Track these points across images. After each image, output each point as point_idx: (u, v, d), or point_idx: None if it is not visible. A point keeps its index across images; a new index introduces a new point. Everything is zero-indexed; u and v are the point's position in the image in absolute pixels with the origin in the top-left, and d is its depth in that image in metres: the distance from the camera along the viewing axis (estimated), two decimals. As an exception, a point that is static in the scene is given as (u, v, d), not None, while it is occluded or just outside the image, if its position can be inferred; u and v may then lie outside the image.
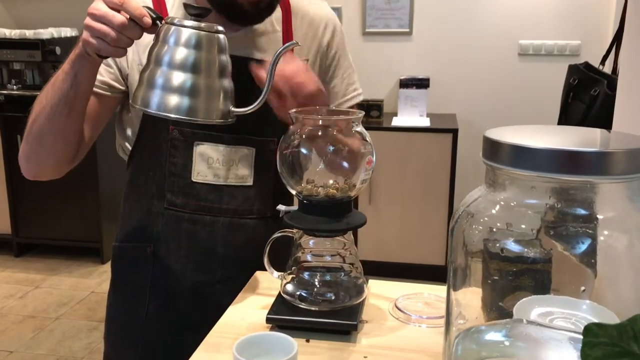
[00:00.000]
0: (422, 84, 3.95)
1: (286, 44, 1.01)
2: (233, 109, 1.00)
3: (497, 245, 0.65)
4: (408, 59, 4.10)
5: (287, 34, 1.25)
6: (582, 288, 0.64)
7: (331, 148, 0.98)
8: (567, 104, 2.95)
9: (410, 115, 3.89)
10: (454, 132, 3.60)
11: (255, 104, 0.99)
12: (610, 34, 3.73)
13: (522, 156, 0.60)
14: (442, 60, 4.07)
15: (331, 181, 1.01)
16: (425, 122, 3.78)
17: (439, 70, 4.07)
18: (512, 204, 0.65)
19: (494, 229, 0.66)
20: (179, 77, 0.93)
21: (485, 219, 0.67)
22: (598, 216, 0.62)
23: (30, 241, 4.13)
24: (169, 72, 0.93)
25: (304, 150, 0.99)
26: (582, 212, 0.62)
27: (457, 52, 4.04)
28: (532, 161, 0.60)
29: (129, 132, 1.29)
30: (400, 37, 4.09)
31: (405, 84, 3.96)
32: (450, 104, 4.08)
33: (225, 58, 0.98)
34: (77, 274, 3.87)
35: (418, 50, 4.09)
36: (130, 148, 1.29)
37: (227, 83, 0.99)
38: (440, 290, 1.19)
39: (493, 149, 0.64)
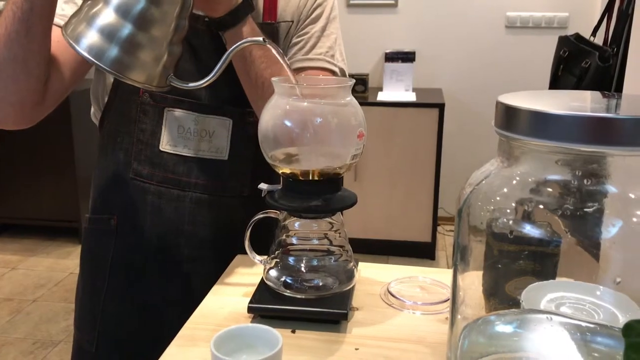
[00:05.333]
0: (407, 57, 3.86)
1: (252, 38, 0.91)
2: (172, 78, 0.87)
3: (510, 225, 0.57)
4: (393, 32, 4.00)
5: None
6: (618, 279, 0.56)
7: (318, 120, 0.88)
8: (557, 77, 2.88)
9: (395, 89, 3.81)
10: (441, 106, 3.52)
11: (201, 82, 0.87)
12: (599, 6, 3.65)
13: (546, 124, 0.51)
14: (428, 34, 3.98)
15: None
16: (411, 96, 3.69)
17: (425, 44, 3.98)
18: (529, 180, 0.57)
19: (508, 209, 0.57)
20: (121, 25, 0.81)
21: (498, 198, 0.58)
22: (630, 195, 0.54)
23: (6, 221, 4.00)
24: (113, 15, 0.80)
25: (288, 123, 0.89)
26: (613, 189, 0.53)
27: (443, 24, 3.95)
28: (559, 130, 0.51)
29: (100, 94, 1.20)
30: (386, 10, 3.98)
31: (391, 57, 3.86)
32: (437, 78, 4.00)
33: (183, 23, 0.86)
34: (55, 254, 3.76)
35: (404, 23, 3.99)
36: (101, 112, 1.21)
37: (175, 49, 0.87)
38: (434, 272, 1.11)
39: (509, 117, 0.55)
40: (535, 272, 0.68)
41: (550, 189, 0.56)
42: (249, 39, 0.90)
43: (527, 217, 0.56)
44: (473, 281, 0.63)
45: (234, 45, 0.87)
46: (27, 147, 3.74)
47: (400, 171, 3.59)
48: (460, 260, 0.62)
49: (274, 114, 0.90)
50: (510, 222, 0.57)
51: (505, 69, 3.94)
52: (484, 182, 0.59)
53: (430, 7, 3.94)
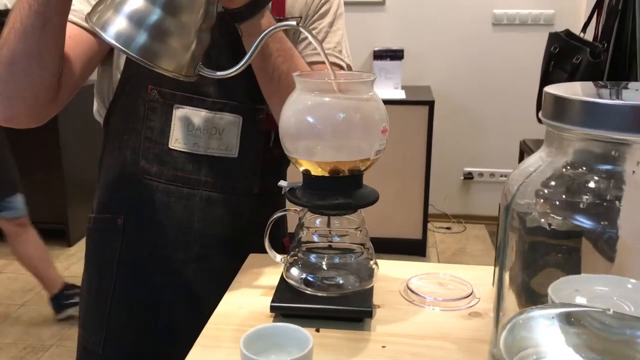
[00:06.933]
0: (396, 55, 3.86)
1: (286, 23, 0.89)
2: (201, 67, 0.86)
3: (561, 218, 0.56)
4: (381, 29, 4.00)
5: None
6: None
7: (341, 115, 0.87)
8: (548, 72, 2.90)
9: (384, 87, 3.80)
10: (430, 104, 3.53)
11: (230, 70, 0.87)
12: (584, 3, 3.69)
13: (601, 114, 0.51)
14: (416, 31, 3.99)
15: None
16: (400, 94, 3.69)
17: (413, 41, 3.98)
18: (580, 170, 0.56)
19: (557, 201, 0.57)
20: (149, 11, 0.79)
21: (546, 191, 0.57)
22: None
23: (-9, 225, 3.92)
24: (141, 1, 0.79)
25: (310, 119, 0.88)
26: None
27: (431, 22, 3.96)
28: (614, 120, 0.50)
29: (105, 91, 1.18)
30: (374, 8, 3.98)
31: (379, 55, 3.86)
32: (425, 76, 4.01)
33: (212, 10, 0.86)
34: (42, 258, 3.70)
35: (391, 21, 4.00)
36: (106, 109, 1.18)
37: (204, 37, 0.86)
38: (453, 269, 1.10)
39: (559, 108, 0.54)
40: (572, 266, 0.68)
41: (602, 180, 0.56)
42: (283, 23, 0.89)
43: (579, 209, 0.56)
44: (517, 276, 0.62)
45: (267, 30, 0.86)
46: (13, 147, 3.67)
47: (391, 169, 3.59)
48: (507, 259, 0.62)
49: (296, 109, 0.88)
50: (560, 214, 0.56)
51: (493, 65, 3.96)
52: (532, 176, 0.58)
53: (418, 4, 3.95)
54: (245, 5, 0.97)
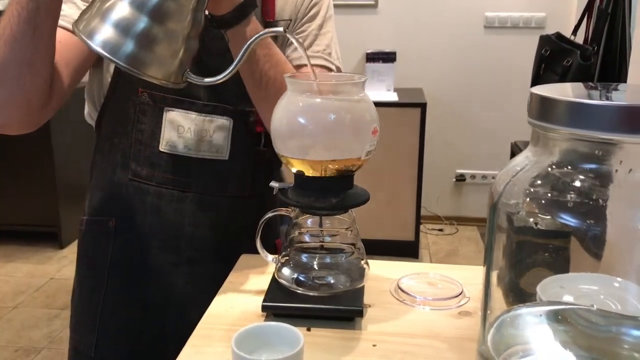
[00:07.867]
0: (388, 57, 3.88)
1: (274, 29, 0.90)
2: (188, 74, 0.86)
3: (547, 216, 0.57)
4: (374, 32, 4.02)
5: None
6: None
7: (332, 116, 0.87)
8: (539, 75, 2.92)
9: (377, 90, 3.82)
10: (423, 106, 3.54)
11: (218, 77, 0.87)
12: (575, 6, 3.71)
13: (586, 114, 0.52)
14: (408, 34, 4.00)
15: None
16: (392, 96, 3.71)
17: (406, 44, 4.00)
18: (566, 170, 0.57)
19: (543, 200, 0.57)
20: (136, 19, 0.78)
21: (532, 190, 0.58)
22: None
23: (-18, 227, 3.91)
24: (128, 9, 0.78)
25: (301, 120, 0.89)
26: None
27: (423, 25, 3.98)
28: (598, 120, 0.51)
29: (96, 94, 1.18)
30: (366, 10, 4.00)
31: (372, 57, 3.88)
32: (417, 78, 4.03)
33: (200, 16, 0.85)
34: (34, 260, 3.70)
35: (384, 24, 4.01)
36: (97, 112, 1.19)
37: (192, 43, 0.85)
38: (443, 269, 1.11)
39: (545, 108, 0.55)
40: (559, 265, 0.69)
41: (587, 179, 0.57)
42: (270, 29, 0.89)
43: (566, 208, 0.57)
44: (505, 276, 0.63)
45: (253, 38, 0.86)
46: (4, 150, 3.67)
47: (383, 171, 3.60)
48: (494, 255, 0.62)
49: (287, 110, 0.89)
50: (547, 213, 0.57)
51: (485, 68, 3.98)
52: (518, 175, 0.59)
53: (410, 7, 3.96)
54: (230, 12, 0.97)
